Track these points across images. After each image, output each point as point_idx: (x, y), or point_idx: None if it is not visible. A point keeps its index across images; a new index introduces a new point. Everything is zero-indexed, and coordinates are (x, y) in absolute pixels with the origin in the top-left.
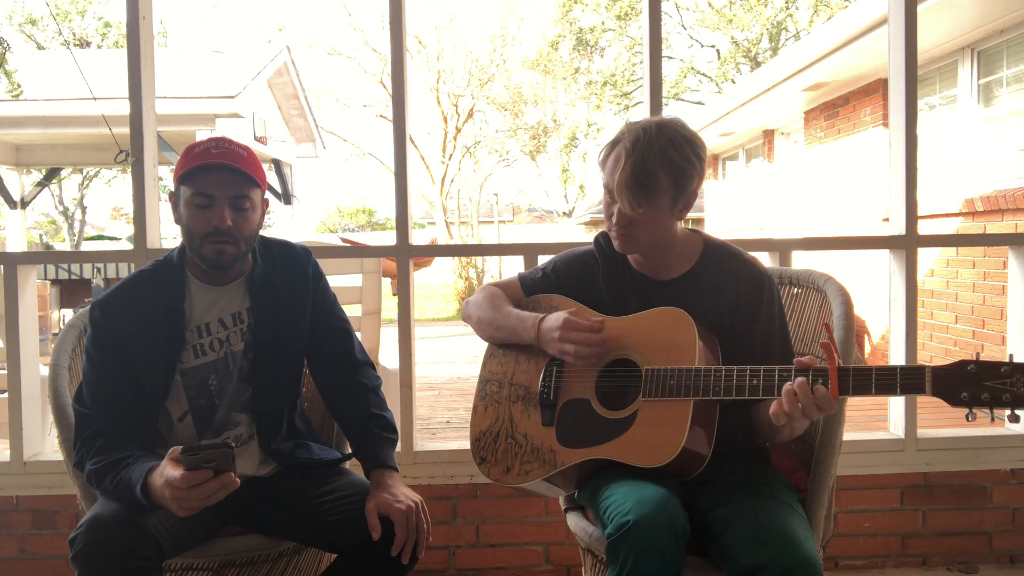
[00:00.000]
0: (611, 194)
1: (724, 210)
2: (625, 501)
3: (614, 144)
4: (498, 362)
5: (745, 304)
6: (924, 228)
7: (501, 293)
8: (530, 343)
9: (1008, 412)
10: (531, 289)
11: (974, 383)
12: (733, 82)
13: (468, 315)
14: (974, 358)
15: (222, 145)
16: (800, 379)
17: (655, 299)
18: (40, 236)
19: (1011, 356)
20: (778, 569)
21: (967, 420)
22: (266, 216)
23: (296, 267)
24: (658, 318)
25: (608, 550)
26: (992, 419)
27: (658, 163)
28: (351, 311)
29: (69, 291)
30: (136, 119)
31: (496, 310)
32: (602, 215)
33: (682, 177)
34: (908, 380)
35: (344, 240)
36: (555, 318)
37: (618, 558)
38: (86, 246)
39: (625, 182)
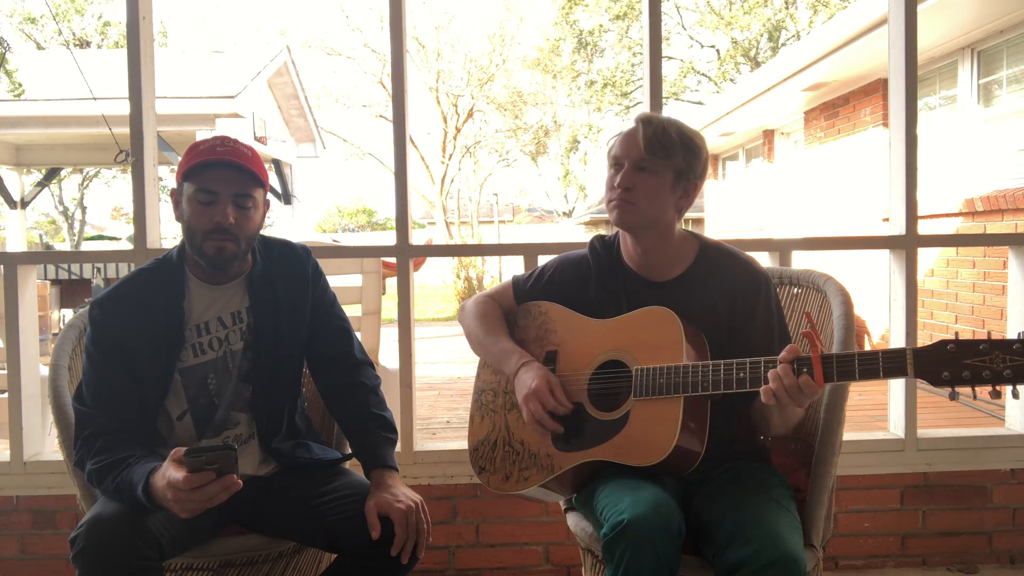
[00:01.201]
0: (620, 161)
1: (724, 210)
2: (620, 501)
3: (623, 130)
4: (491, 372)
5: (742, 304)
6: (924, 228)
7: (494, 309)
8: (508, 377)
9: (989, 389)
10: (523, 296)
11: (954, 362)
12: (733, 82)
13: (462, 322)
14: (953, 337)
15: (227, 143)
16: (783, 366)
17: (651, 301)
18: (40, 236)
19: (989, 333)
20: (759, 564)
21: (950, 399)
22: (267, 217)
23: (296, 266)
24: (645, 318)
25: (604, 549)
26: (974, 396)
27: (674, 132)
28: (351, 311)
29: (69, 291)
30: (136, 119)
31: (486, 331)
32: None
33: (691, 154)
34: (890, 364)
35: (335, 242)
36: (530, 377)
37: (613, 557)
38: (86, 246)
39: (646, 140)
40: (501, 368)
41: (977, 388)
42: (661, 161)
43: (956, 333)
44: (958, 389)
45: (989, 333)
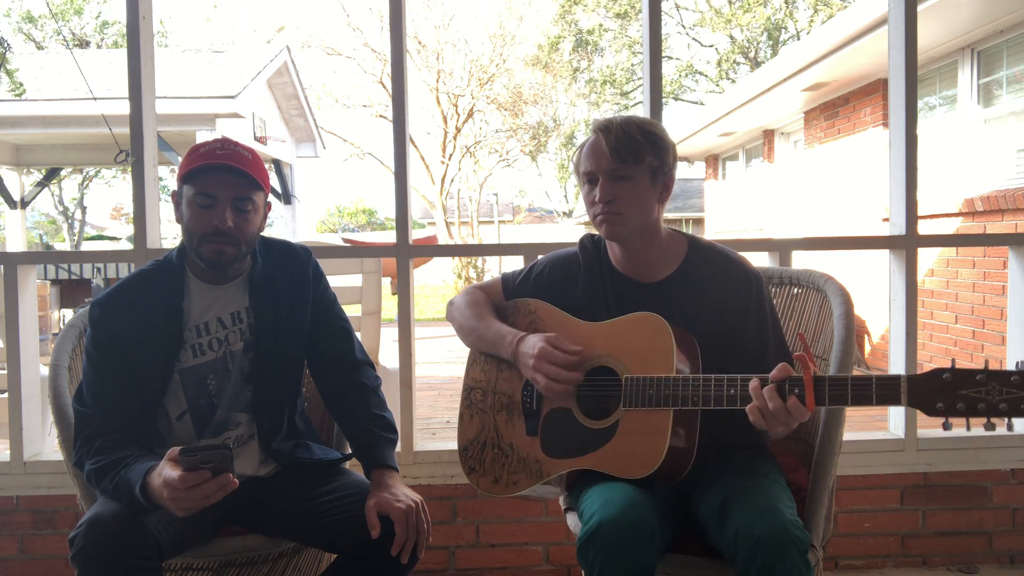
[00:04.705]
0: (592, 175)
1: (724, 210)
2: (592, 505)
3: (585, 142)
4: (480, 369)
5: (734, 305)
6: (924, 228)
7: (484, 298)
8: (508, 359)
9: (984, 421)
10: (512, 292)
11: (949, 392)
12: (732, 82)
13: (451, 317)
14: (950, 365)
15: (227, 146)
16: (768, 388)
17: (640, 302)
18: (40, 236)
19: (986, 362)
20: (757, 534)
21: (944, 429)
22: (267, 218)
23: (296, 266)
24: (635, 325)
25: (577, 554)
26: (968, 427)
27: (636, 132)
28: (351, 311)
29: (69, 291)
30: (136, 119)
31: (478, 318)
32: None
33: (659, 148)
34: (883, 391)
35: (345, 240)
36: (532, 344)
37: (586, 561)
38: (86, 246)
39: (612, 148)
40: (498, 350)
41: (972, 420)
42: (632, 166)
43: (953, 360)
44: (951, 420)
45: (987, 362)
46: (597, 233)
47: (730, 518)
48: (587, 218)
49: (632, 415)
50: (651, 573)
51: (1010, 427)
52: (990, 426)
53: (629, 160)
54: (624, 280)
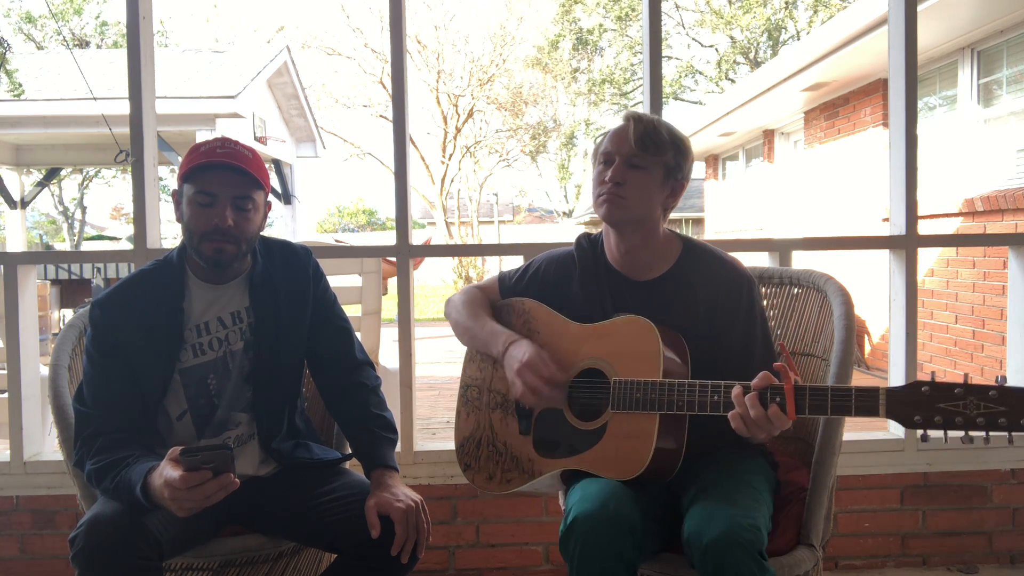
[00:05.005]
0: (610, 156)
1: (724, 210)
2: (572, 500)
3: (610, 128)
4: (477, 367)
5: (724, 306)
6: (924, 228)
7: (480, 297)
8: (497, 359)
9: (961, 434)
10: (508, 291)
11: (928, 406)
12: (732, 82)
13: (448, 315)
14: (929, 378)
15: (228, 145)
16: (749, 396)
17: (632, 300)
18: (40, 236)
19: (966, 376)
20: (708, 539)
21: (922, 441)
22: (267, 218)
23: (296, 266)
24: (624, 328)
25: (559, 549)
26: (946, 440)
27: (664, 131)
28: (351, 311)
29: (69, 291)
30: (136, 119)
31: (473, 317)
32: None
33: (680, 153)
34: (862, 402)
35: (337, 242)
36: (521, 351)
37: (567, 554)
38: (86, 246)
39: (638, 136)
40: (489, 350)
41: (949, 432)
42: (651, 157)
43: (933, 373)
44: (929, 433)
45: (966, 376)
46: (594, 233)
47: (686, 522)
48: (587, 218)
49: (620, 418)
50: (631, 564)
51: (987, 440)
52: (967, 439)
53: (649, 150)
54: (618, 277)
